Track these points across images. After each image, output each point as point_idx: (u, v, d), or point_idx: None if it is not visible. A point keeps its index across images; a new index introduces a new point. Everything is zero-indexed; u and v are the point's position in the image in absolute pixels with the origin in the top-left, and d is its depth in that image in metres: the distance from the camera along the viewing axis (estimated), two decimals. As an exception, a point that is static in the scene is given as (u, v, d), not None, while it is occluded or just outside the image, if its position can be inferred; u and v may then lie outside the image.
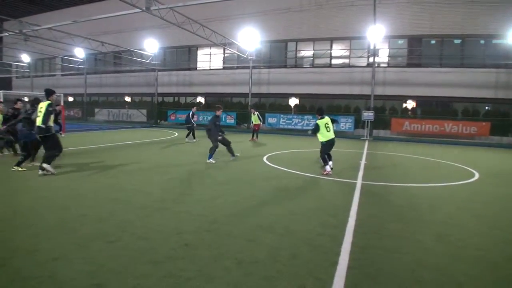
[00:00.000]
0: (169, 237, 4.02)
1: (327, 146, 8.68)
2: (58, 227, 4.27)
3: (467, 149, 16.79)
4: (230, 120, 26.20)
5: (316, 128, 8.62)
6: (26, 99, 33.98)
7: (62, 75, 38.98)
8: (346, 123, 22.37)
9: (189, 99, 31.06)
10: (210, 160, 9.80)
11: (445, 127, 20.64)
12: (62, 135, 15.59)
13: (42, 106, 7.55)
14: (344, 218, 4.92)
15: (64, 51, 30.73)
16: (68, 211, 4.93)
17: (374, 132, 22.00)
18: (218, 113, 10.21)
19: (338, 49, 25.33)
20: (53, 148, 7.61)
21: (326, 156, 8.67)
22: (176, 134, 20.41)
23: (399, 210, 5.51)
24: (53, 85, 37.92)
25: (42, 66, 40.67)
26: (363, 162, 10.80)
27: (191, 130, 16.13)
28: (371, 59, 22.74)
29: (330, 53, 25.28)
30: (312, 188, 6.99)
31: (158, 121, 29.96)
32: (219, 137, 10.13)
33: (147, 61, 29.88)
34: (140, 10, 16.42)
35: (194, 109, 16.47)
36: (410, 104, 23.14)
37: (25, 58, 35.35)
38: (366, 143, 17.83)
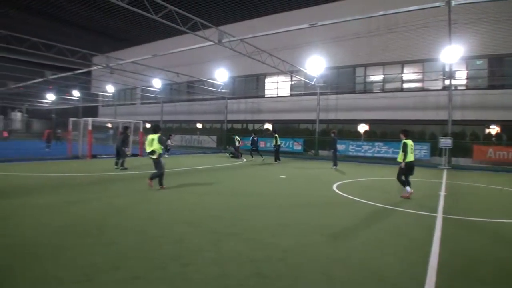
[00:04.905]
0: (241, 264, 4.03)
1: (407, 169, 8.68)
2: (137, 247, 4.54)
3: None
4: (298, 146, 26.13)
5: (405, 148, 8.60)
6: (109, 125, 37.70)
7: (141, 103, 42.47)
8: (421, 150, 21.02)
9: (257, 126, 31.75)
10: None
11: (538, 155, 18.45)
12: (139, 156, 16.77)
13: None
14: (425, 255, 4.53)
15: (144, 82, 33.54)
16: (147, 232, 5.23)
17: (453, 160, 20.35)
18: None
19: (410, 73, 24.34)
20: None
21: (405, 179, 8.76)
22: (245, 160, 20.84)
23: (489, 249, 4.96)
24: (133, 112, 41.48)
25: (124, 95, 44.78)
26: (442, 193, 9.98)
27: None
28: (447, 82, 21.40)
29: (401, 77, 24.37)
30: (386, 219, 6.61)
31: (227, 147, 30.90)
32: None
33: (218, 90, 31.36)
34: (212, 43, 17.40)
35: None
36: (494, 130, 21.18)
37: (110, 88, 39.28)
38: (445, 172, 16.55)
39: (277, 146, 19.75)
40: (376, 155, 22.27)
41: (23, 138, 49.04)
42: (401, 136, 9.05)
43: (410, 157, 8.70)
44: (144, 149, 10.03)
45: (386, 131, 24.29)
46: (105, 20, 33.24)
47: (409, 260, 4.38)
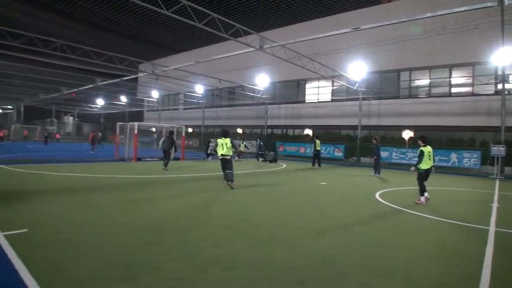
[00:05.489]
0: (283, 271, 4.01)
1: (425, 175, 8.88)
2: (180, 248, 4.66)
3: None
4: (338, 153, 25.65)
5: (421, 155, 8.74)
6: (153, 129, 39.20)
7: (184, 109, 43.72)
8: (470, 159, 19.92)
9: (297, 131, 31.59)
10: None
11: None
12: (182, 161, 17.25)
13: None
14: (475, 270, 4.26)
15: (186, 88, 34.55)
16: (188, 234, 5.35)
17: (506, 169, 19.02)
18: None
19: (459, 77, 23.20)
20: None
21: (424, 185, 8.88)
22: (284, 165, 20.77)
23: (549, 267, 4.59)
24: (176, 117, 42.75)
25: (168, 101, 46.40)
26: (495, 205, 9.38)
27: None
28: (499, 86, 20.17)
29: (449, 81, 23.29)
30: (431, 231, 6.30)
31: (267, 152, 30.99)
32: None
33: (258, 95, 31.59)
34: (253, 49, 17.58)
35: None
36: (553, 137, 19.61)
37: (155, 94, 40.93)
38: (497, 182, 15.54)
39: (316, 151, 19.69)
40: (421, 162, 21.28)
41: (74, 140, 52.11)
42: (419, 142, 9.11)
43: (426, 164, 8.79)
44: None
45: (433, 138, 23.21)
46: (151, 29, 34.71)
47: (458, 275, 4.15)
